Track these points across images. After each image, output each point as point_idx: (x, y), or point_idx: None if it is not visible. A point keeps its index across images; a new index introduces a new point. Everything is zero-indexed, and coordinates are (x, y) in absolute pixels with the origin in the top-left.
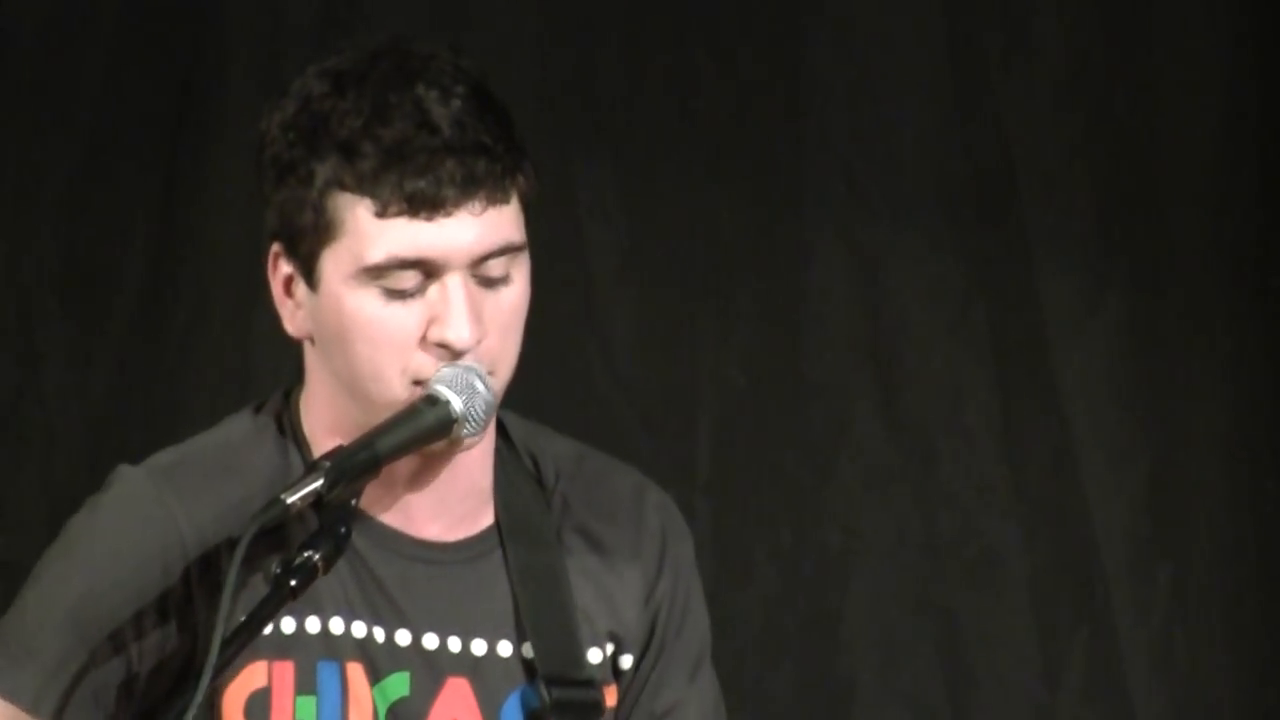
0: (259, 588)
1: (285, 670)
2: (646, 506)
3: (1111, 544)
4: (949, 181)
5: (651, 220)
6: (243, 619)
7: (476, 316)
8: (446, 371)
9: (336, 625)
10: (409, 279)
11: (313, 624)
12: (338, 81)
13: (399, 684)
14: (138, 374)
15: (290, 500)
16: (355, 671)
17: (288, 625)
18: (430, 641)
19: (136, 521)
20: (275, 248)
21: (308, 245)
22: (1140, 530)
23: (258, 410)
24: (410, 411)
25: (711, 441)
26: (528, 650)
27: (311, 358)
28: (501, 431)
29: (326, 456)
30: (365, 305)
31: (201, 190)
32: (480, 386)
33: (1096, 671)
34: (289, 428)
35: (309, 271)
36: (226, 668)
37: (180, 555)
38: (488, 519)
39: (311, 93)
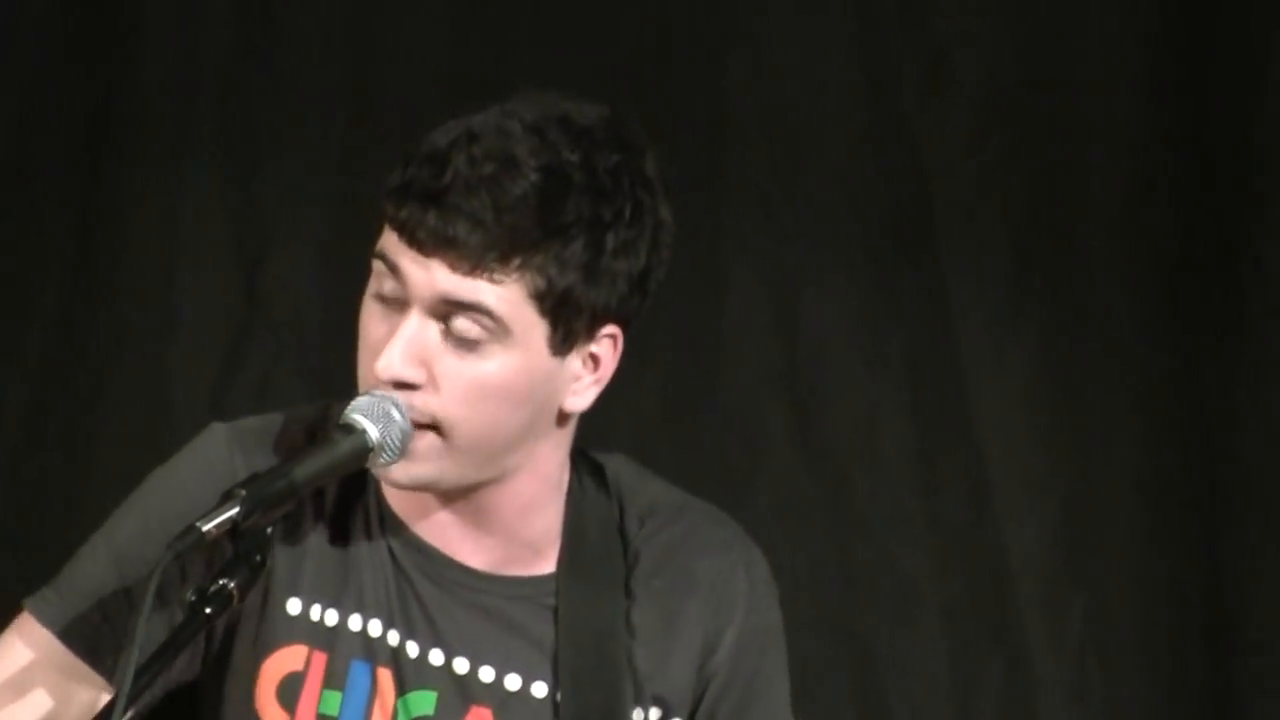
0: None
1: (321, 661)
2: (733, 575)
3: (1026, 574)
4: (865, 212)
5: None
6: (158, 647)
7: (420, 360)
8: (362, 401)
9: (375, 628)
10: (393, 298)
11: (354, 621)
12: (483, 119)
13: (424, 702)
14: (53, 404)
15: (206, 528)
16: (385, 677)
17: (331, 617)
18: (461, 666)
19: (200, 474)
20: None
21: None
22: (1054, 560)
23: (328, 406)
24: (326, 440)
25: None
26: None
27: None
28: (597, 476)
29: (243, 484)
30: (366, 304)
31: (117, 219)
32: (396, 415)
33: (1011, 701)
34: None
35: None
36: (139, 695)
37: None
38: (548, 565)
39: (463, 119)
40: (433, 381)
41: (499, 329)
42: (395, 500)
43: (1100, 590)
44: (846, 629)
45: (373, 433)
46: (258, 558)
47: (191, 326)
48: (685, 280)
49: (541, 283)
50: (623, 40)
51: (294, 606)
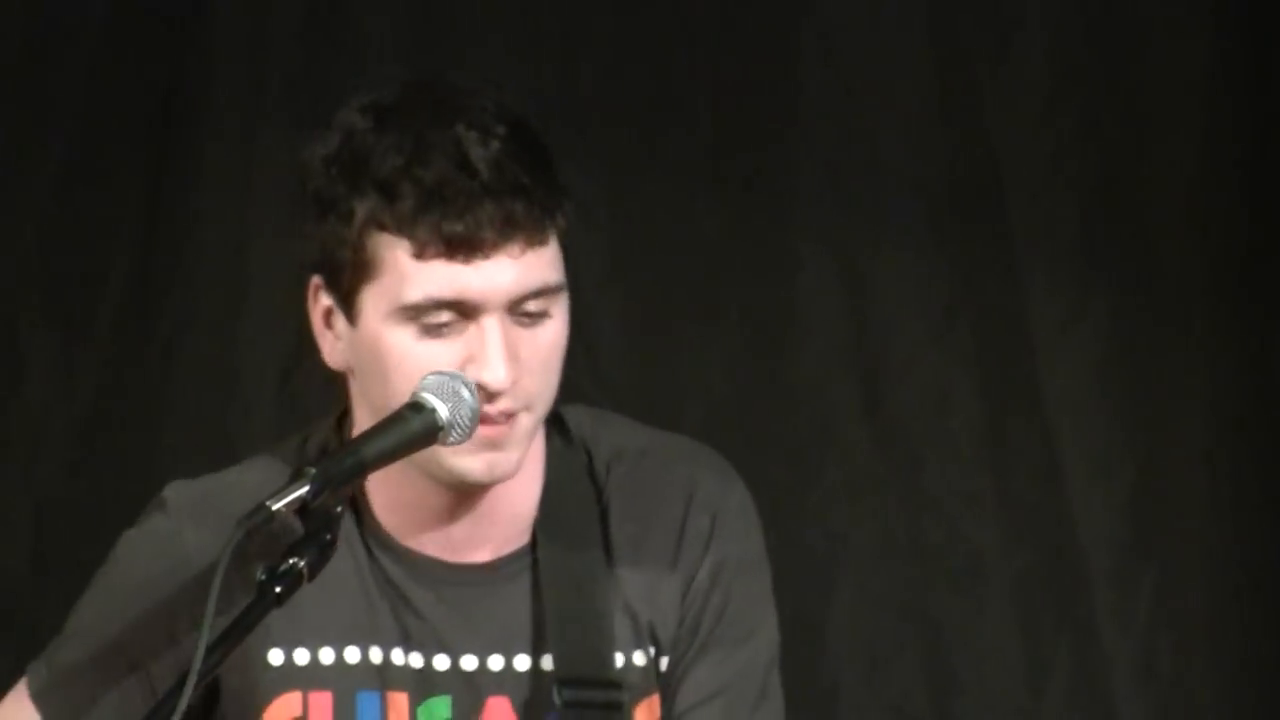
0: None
1: (323, 700)
2: (694, 506)
3: (1096, 550)
4: (935, 190)
5: (638, 226)
6: (227, 626)
7: (513, 356)
8: (432, 379)
9: (375, 655)
10: (445, 316)
11: (351, 654)
12: (380, 117)
13: (440, 708)
14: (123, 380)
15: (276, 506)
16: (397, 701)
17: (326, 656)
18: (469, 663)
19: (153, 560)
20: (315, 280)
21: (347, 281)
22: (1124, 537)
23: (305, 440)
24: (396, 418)
25: None
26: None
27: (354, 388)
28: (560, 428)
29: (312, 463)
30: (402, 342)
31: (186, 194)
32: (465, 394)
33: (1080, 678)
34: None
35: (348, 307)
36: (211, 673)
37: (195, 592)
38: (526, 535)
39: (354, 127)
40: (522, 365)
41: (560, 289)
42: (389, 521)
43: (1170, 566)
44: (916, 606)
45: (443, 411)
46: (327, 536)
47: (262, 304)
48: (755, 256)
49: (564, 222)
50: (692, 19)
51: (276, 657)
